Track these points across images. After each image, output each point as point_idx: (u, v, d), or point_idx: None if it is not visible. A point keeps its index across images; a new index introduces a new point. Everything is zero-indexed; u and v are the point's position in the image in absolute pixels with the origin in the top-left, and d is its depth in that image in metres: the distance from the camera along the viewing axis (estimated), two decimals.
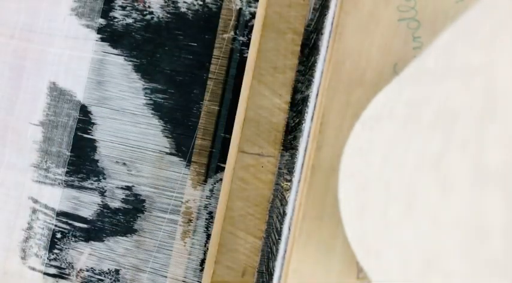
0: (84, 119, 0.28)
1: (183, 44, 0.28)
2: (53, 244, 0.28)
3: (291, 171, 0.22)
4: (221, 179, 0.27)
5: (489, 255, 0.09)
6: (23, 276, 0.29)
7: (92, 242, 0.28)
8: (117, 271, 0.28)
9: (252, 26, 0.27)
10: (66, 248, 0.28)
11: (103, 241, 0.28)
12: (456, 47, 0.11)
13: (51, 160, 0.29)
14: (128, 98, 0.28)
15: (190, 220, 0.27)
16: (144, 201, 0.28)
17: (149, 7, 0.28)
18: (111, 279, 0.28)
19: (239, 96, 0.25)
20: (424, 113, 0.12)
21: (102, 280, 0.28)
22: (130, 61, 0.28)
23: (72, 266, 0.28)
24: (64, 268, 0.28)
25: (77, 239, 0.28)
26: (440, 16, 0.18)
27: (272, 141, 0.25)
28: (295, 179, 0.19)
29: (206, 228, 0.27)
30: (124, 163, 0.28)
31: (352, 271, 0.18)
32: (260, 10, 0.25)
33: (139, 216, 0.28)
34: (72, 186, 0.28)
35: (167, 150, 0.28)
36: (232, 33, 0.27)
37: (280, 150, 0.25)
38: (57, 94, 0.29)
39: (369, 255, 0.14)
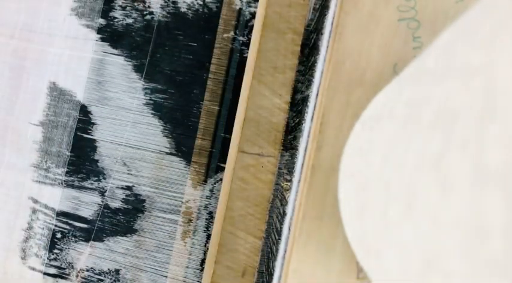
0: (84, 119, 0.28)
1: (183, 44, 0.28)
2: (53, 244, 0.28)
3: (291, 171, 0.22)
4: (221, 179, 0.27)
5: (489, 255, 0.09)
6: (23, 276, 0.29)
7: (92, 242, 0.28)
8: (117, 271, 0.28)
9: (252, 26, 0.27)
10: (66, 248, 0.28)
11: (103, 241, 0.28)
12: (456, 47, 0.11)
13: (51, 160, 0.29)
14: (128, 98, 0.28)
15: (190, 220, 0.27)
16: (144, 201, 0.28)
17: (149, 7, 0.28)
18: (111, 279, 0.28)
19: (239, 96, 0.25)
20: (424, 113, 0.12)
21: (102, 280, 0.28)
22: (130, 61, 0.28)
23: (72, 266, 0.28)
24: (64, 268, 0.28)
25: (77, 239, 0.28)
26: (440, 16, 0.18)
27: (272, 141, 0.25)
28: (295, 179, 0.19)
29: (206, 228, 0.27)
30: (124, 163, 0.28)
31: (352, 271, 0.18)
32: (260, 10, 0.25)
33: (140, 216, 0.28)
34: (72, 186, 0.28)
35: (167, 150, 0.28)
36: (232, 33, 0.27)
37: (280, 150, 0.25)
38: (57, 94, 0.29)
39: (369, 255, 0.14)
